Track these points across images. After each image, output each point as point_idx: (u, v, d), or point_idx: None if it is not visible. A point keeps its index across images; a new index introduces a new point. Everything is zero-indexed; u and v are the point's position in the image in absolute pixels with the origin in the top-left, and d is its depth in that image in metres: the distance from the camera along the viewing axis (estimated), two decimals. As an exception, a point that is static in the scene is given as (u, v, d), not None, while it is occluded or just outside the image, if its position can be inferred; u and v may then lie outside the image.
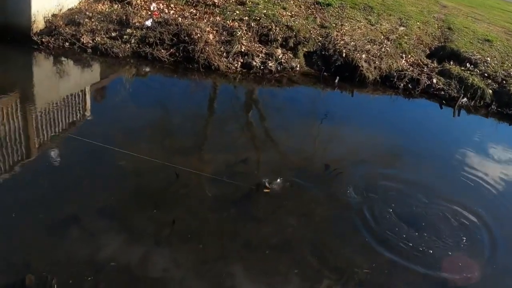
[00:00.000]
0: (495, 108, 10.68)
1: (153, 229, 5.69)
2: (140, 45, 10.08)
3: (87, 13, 10.47)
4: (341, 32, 11.90)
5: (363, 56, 10.87)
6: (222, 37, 10.60)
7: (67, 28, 10.02)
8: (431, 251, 5.86)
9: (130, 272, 5.10)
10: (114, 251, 5.29)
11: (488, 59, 11.96)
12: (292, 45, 11.04)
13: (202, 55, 10.02)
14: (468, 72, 11.25)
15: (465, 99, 10.69)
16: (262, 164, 7.28)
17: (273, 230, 5.95)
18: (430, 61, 11.84)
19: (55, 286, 4.77)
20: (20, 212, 5.60)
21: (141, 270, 5.13)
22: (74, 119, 7.79)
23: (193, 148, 7.46)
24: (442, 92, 10.78)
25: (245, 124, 8.76)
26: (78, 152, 6.82)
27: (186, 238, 5.65)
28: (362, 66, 10.76)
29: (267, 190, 6.46)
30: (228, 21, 11.14)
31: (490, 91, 10.80)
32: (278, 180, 6.61)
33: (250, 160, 7.24)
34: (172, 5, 11.53)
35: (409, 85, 10.89)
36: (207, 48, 10.09)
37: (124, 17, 10.43)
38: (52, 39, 9.81)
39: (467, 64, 11.65)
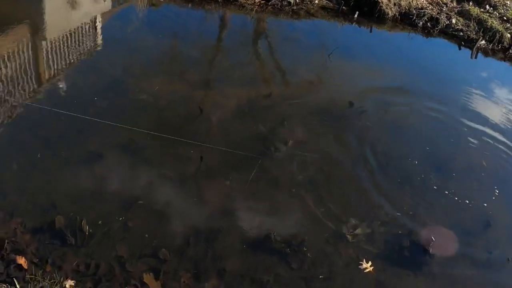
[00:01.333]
0: (512, 52, 10.51)
1: (180, 166, 5.64)
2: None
3: None
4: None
5: (383, -9, 10.55)
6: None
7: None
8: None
9: (158, 210, 5.15)
10: (141, 189, 5.32)
11: (508, 2, 11.68)
12: (311, -22, 10.64)
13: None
14: (487, 14, 11.01)
15: (483, 41, 10.48)
16: (286, 99, 7.17)
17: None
18: (450, 0, 11.51)
19: (86, 227, 4.78)
20: (41, 150, 5.53)
21: (169, 208, 5.17)
22: (86, 49, 7.54)
23: (213, 81, 7.29)
24: (461, 33, 10.60)
25: (263, 57, 8.55)
26: (93, 84, 6.63)
27: (213, 174, 5.60)
28: (382, 2, 10.51)
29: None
30: None
31: (509, 35, 10.62)
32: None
33: (273, 95, 7.15)
34: None
35: (428, 23, 10.69)
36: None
37: None
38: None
39: (486, 6, 11.39)
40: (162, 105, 6.52)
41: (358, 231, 5.36)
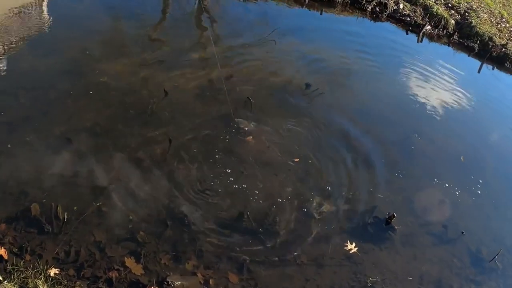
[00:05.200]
0: (456, 38, 10.96)
1: (148, 148, 5.71)
2: None
3: None
4: None
5: (333, -25, 10.76)
6: None
7: None
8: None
9: (130, 194, 5.20)
10: (113, 174, 5.34)
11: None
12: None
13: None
14: (433, 0, 11.40)
15: (429, 27, 10.88)
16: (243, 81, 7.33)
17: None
18: (397, -15, 11.83)
19: (62, 212, 4.78)
20: (7, 134, 5.42)
21: (140, 194, 5.21)
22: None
23: (173, 64, 7.31)
24: (408, 18, 10.97)
25: (221, 38, 8.62)
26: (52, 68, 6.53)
27: (181, 156, 5.72)
28: (332, -14, 10.68)
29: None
30: None
31: (453, 21, 11.07)
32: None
33: (233, 77, 7.33)
34: None
35: (377, 8, 10.96)
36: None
37: None
38: None
39: (432, -8, 11.77)
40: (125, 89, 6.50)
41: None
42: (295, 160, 6.02)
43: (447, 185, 6.39)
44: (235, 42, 8.39)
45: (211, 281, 4.61)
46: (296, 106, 7.01)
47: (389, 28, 10.72)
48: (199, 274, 4.63)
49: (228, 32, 8.82)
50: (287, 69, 7.85)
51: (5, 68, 6.44)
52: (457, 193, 6.33)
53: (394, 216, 5.60)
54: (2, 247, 4.42)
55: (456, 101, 8.42)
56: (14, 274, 4.18)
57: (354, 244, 5.22)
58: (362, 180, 6.08)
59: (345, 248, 5.18)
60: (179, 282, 4.49)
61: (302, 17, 10.35)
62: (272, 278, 4.81)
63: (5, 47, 6.84)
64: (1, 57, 6.61)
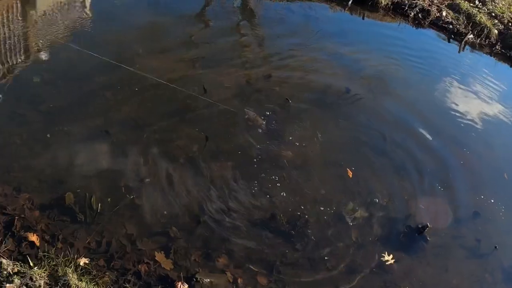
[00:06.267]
0: (499, 48, 10.71)
1: (185, 145, 5.71)
2: None
3: None
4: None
5: (377, -20, 10.64)
6: None
7: None
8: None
9: (165, 189, 5.19)
10: (148, 168, 5.35)
11: (496, -1, 11.91)
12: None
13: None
14: (477, 9, 11.21)
15: (471, 35, 10.66)
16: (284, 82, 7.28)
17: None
18: (440, -7, 11.67)
19: (95, 203, 4.81)
20: (44, 125, 5.48)
21: (174, 190, 5.20)
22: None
23: (214, 61, 7.30)
24: (451, 26, 10.77)
25: (263, 39, 8.58)
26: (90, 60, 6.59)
27: (217, 154, 5.70)
28: (375, -10, 10.58)
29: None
30: None
31: (496, 31, 10.82)
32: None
33: (272, 77, 7.25)
34: None
35: (419, 14, 10.80)
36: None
37: None
38: None
39: (476, 1, 11.57)
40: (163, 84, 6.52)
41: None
42: (348, 174, 5.92)
43: (486, 199, 6.19)
44: (275, 42, 8.36)
45: (239, 280, 4.56)
46: (334, 110, 6.93)
47: (431, 35, 10.54)
48: (228, 273, 4.59)
49: (269, 32, 8.79)
50: (327, 72, 7.78)
51: (47, 59, 6.54)
52: (495, 207, 6.13)
53: (428, 227, 5.47)
54: (35, 234, 4.46)
55: (497, 114, 8.19)
56: (44, 261, 4.19)
57: (391, 256, 5.10)
58: (398, 188, 5.96)
59: (381, 259, 5.07)
60: (208, 280, 4.45)
61: (344, 20, 10.27)
62: (301, 281, 4.75)
63: (49, 39, 6.93)
64: (44, 48, 6.72)
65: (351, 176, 5.92)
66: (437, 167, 6.46)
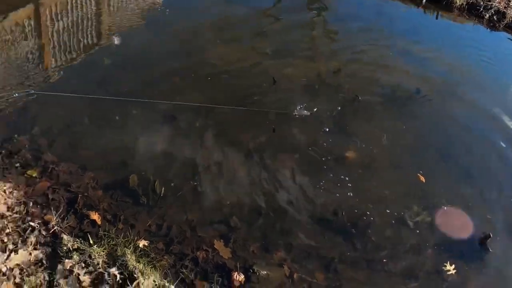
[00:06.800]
0: None
1: (251, 135, 5.68)
2: None
3: None
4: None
5: (453, -21, 10.28)
6: None
7: None
8: None
9: (228, 177, 5.17)
10: (213, 156, 5.35)
11: None
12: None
13: None
14: (557, 12, 10.63)
15: (550, 41, 10.15)
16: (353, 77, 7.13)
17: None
18: (517, -5, 11.17)
19: (159, 187, 4.84)
20: (111, 106, 5.54)
21: (238, 179, 5.18)
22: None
23: (281, 51, 7.23)
24: (528, 30, 10.27)
25: (335, 33, 8.46)
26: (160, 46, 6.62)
27: (284, 146, 5.64)
28: (451, -10, 10.23)
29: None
30: None
31: None
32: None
33: (342, 71, 7.13)
34: None
35: (495, 17, 10.37)
36: None
37: None
38: None
39: (555, 3, 11.00)
40: (233, 73, 6.50)
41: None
42: (420, 179, 5.75)
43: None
44: (347, 37, 8.22)
45: (295, 276, 4.49)
46: (402, 110, 6.73)
47: (505, 38, 10.10)
48: (285, 267, 4.53)
49: (341, 26, 8.64)
50: (397, 70, 7.56)
51: (119, 43, 6.65)
52: None
53: (489, 237, 5.22)
54: (97, 213, 4.54)
55: None
56: (104, 240, 4.25)
57: (453, 266, 4.90)
58: (464, 195, 5.72)
59: (443, 268, 4.88)
60: (265, 272, 4.40)
61: (417, 19, 9.97)
62: (357, 282, 4.62)
63: (121, 24, 7.05)
64: (116, 33, 6.84)
65: (423, 180, 5.72)
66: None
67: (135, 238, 4.32)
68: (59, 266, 3.94)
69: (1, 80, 5.79)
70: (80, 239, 4.25)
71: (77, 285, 3.84)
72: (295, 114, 6.05)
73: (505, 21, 10.29)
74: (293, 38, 7.81)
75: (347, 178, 5.48)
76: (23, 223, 4.32)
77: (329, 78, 6.76)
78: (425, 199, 5.52)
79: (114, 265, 4.03)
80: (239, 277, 4.29)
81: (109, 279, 3.91)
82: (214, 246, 4.47)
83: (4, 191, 4.58)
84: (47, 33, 6.80)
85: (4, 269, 3.86)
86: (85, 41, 6.74)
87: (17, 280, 3.82)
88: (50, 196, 4.66)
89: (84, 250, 4.12)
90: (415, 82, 7.31)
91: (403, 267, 4.81)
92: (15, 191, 4.62)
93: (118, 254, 4.12)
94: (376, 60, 7.72)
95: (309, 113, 6.07)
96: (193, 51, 6.65)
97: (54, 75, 6.06)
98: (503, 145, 6.55)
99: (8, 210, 4.41)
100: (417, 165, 5.91)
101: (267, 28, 7.98)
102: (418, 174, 5.74)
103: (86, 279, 3.89)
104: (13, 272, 3.87)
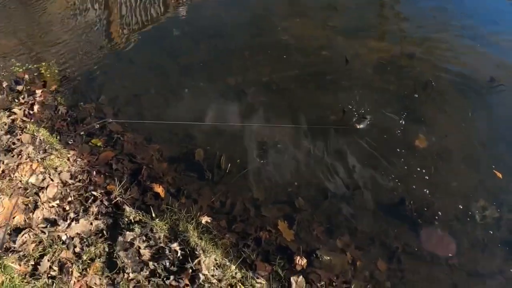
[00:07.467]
0: None
1: (321, 114, 5.51)
2: None
3: None
4: None
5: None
6: None
7: None
8: None
9: (295, 157, 5.04)
10: (284, 135, 5.21)
11: None
12: None
13: None
14: None
15: None
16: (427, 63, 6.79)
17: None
18: None
19: (224, 163, 4.77)
20: (179, 78, 5.50)
21: (306, 160, 5.03)
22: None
23: (355, 31, 7.03)
24: None
25: (412, 15, 8.16)
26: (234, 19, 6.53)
27: (350, 130, 5.46)
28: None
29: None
30: None
31: None
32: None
33: (416, 55, 6.81)
34: None
35: None
36: None
37: None
38: None
39: None
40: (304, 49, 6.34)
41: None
42: (497, 175, 5.50)
43: None
44: (424, 20, 7.86)
45: (358, 263, 4.33)
46: (475, 98, 6.42)
47: None
48: (348, 254, 4.37)
49: (419, 8, 8.27)
50: (472, 58, 7.20)
51: (187, 14, 6.59)
52: None
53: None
54: (160, 185, 4.50)
55: None
56: (167, 214, 4.21)
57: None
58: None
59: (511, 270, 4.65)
60: (328, 258, 4.28)
61: (501, 6, 9.42)
62: (419, 274, 4.41)
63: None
64: (184, 3, 6.78)
65: (500, 176, 5.46)
66: None
67: (198, 214, 4.26)
68: (120, 238, 3.91)
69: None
70: (142, 211, 4.22)
71: (137, 258, 3.81)
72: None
73: None
74: (365, 16, 7.55)
75: (415, 166, 5.27)
76: (86, 192, 4.33)
77: (402, 61, 6.48)
78: (494, 194, 5.26)
79: (175, 241, 3.98)
80: (301, 261, 4.18)
81: (169, 255, 3.85)
82: (278, 227, 4.36)
83: (68, 159, 4.61)
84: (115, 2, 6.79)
85: (64, 238, 3.86)
86: (153, 11, 6.69)
87: (77, 249, 3.81)
88: (114, 166, 4.66)
89: (146, 223, 4.09)
90: (490, 71, 6.96)
91: (467, 263, 4.60)
92: (78, 159, 4.65)
93: (180, 229, 4.07)
94: (452, 46, 7.36)
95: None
96: (264, 26, 6.52)
97: (121, 45, 6.05)
98: None
99: (71, 178, 4.43)
100: (492, 158, 5.63)
101: (339, 4, 7.73)
102: (495, 171, 5.47)
103: (146, 253, 3.85)
104: (73, 241, 3.86)
